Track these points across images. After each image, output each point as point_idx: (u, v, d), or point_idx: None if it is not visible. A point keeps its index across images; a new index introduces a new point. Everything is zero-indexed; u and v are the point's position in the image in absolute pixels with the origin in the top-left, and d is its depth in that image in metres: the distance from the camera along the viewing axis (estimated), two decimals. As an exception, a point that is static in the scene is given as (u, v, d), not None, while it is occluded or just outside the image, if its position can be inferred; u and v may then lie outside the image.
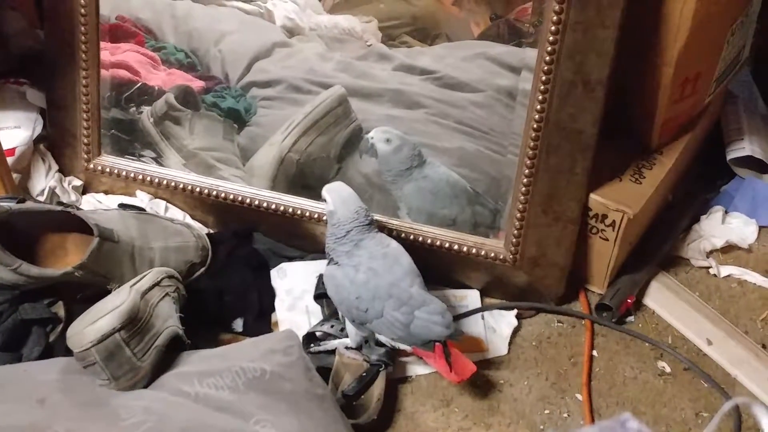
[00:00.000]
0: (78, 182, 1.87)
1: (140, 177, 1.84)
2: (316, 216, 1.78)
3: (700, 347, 1.75)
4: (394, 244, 1.61)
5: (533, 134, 1.62)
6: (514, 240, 1.71)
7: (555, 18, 1.53)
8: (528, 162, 1.64)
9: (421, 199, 1.73)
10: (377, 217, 1.75)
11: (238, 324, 1.69)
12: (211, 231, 1.83)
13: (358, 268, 1.56)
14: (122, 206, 1.79)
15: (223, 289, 1.71)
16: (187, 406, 1.38)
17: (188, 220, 1.84)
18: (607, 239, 1.74)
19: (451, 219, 1.73)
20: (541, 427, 1.60)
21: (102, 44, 1.76)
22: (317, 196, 1.76)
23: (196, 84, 1.77)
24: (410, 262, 1.59)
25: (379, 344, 1.60)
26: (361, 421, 1.53)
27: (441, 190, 1.72)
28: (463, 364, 1.58)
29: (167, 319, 1.50)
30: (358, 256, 1.56)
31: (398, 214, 1.75)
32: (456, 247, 1.74)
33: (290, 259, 1.80)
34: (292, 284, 1.74)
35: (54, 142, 1.88)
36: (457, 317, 1.72)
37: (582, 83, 1.57)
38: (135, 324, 1.43)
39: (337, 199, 1.59)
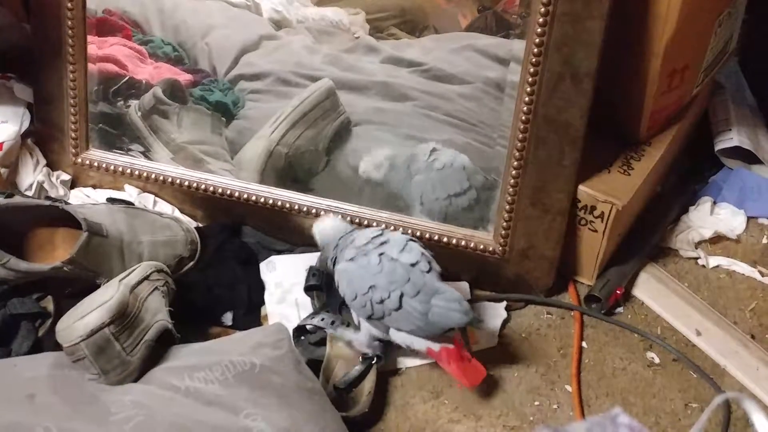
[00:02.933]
0: (66, 177, 1.86)
1: (128, 171, 1.83)
2: (305, 209, 1.77)
3: (689, 338, 1.75)
4: (397, 236, 1.60)
5: (521, 126, 1.62)
6: (503, 232, 1.71)
7: (543, 9, 1.53)
8: (516, 154, 1.64)
9: (431, 189, 1.73)
10: (366, 210, 1.75)
11: (228, 318, 1.69)
12: (200, 225, 1.83)
13: (369, 255, 1.54)
14: (111, 200, 1.79)
15: (213, 283, 1.71)
16: (176, 400, 1.38)
17: (177, 214, 1.84)
18: (595, 231, 1.74)
19: (465, 200, 1.73)
20: (531, 418, 1.60)
21: (89, 38, 1.76)
22: (306, 189, 1.77)
23: (184, 77, 1.77)
24: (419, 248, 1.57)
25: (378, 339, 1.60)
26: (352, 414, 1.53)
27: (447, 176, 1.71)
28: (474, 368, 1.57)
29: (156, 314, 1.49)
30: (364, 249, 1.56)
31: (412, 213, 1.76)
32: (445, 239, 1.74)
33: (279, 252, 1.80)
34: (282, 277, 1.74)
35: (42, 137, 1.87)
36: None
37: (570, 75, 1.58)
38: (124, 318, 1.43)
39: (323, 238, 1.63)
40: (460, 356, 1.55)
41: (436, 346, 1.55)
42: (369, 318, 1.56)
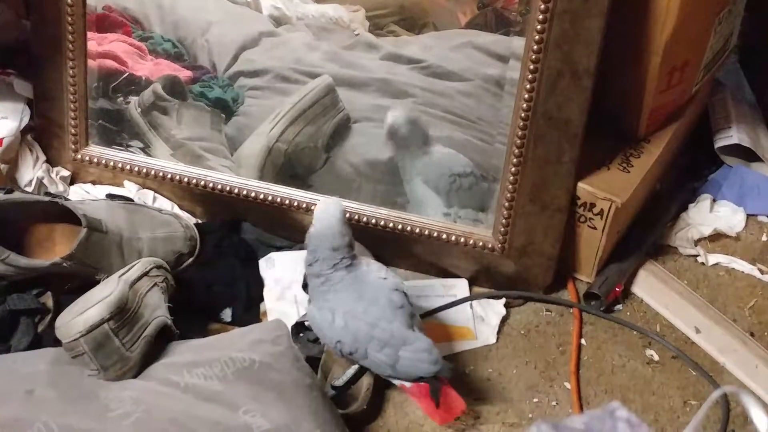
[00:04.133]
0: (66, 173, 1.86)
1: (128, 167, 1.83)
2: (304, 206, 1.77)
3: (688, 335, 1.75)
4: (372, 276, 1.53)
5: (521, 123, 1.62)
6: (502, 229, 1.71)
7: (542, 7, 1.53)
8: (516, 151, 1.64)
9: (438, 163, 1.72)
10: (365, 207, 1.75)
11: (227, 314, 1.69)
12: (199, 221, 1.83)
13: (335, 312, 1.50)
14: (110, 196, 1.79)
15: (212, 279, 1.71)
16: (175, 396, 1.38)
17: (176, 210, 1.84)
18: (595, 228, 1.74)
19: (467, 182, 1.72)
20: (530, 415, 1.60)
21: (89, 34, 1.76)
22: (305, 186, 1.77)
23: (184, 74, 1.77)
24: (389, 297, 1.51)
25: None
26: (351, 410, 1.53)
27: (454, 156, 1.71)
28: (451, 401, 1.52)
29: (156, 309, 1.50)
30: (333, 298, 1.51)
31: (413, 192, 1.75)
32: (444, 236, 1.74)
33: (278, 248, 1.80)
34: (281, 274, 1.74)
35: (41, 133, 1.87)
36: (445, 307, 1.72)
37: (570, 72, 1.58)
38: (124, 314, 1.43)
39: (321, 221, 1.51)
40: (436, 392, 1.50)
41: (408, 383, 1.53)
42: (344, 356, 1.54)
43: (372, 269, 1.55)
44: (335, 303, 1.51)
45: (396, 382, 1.54)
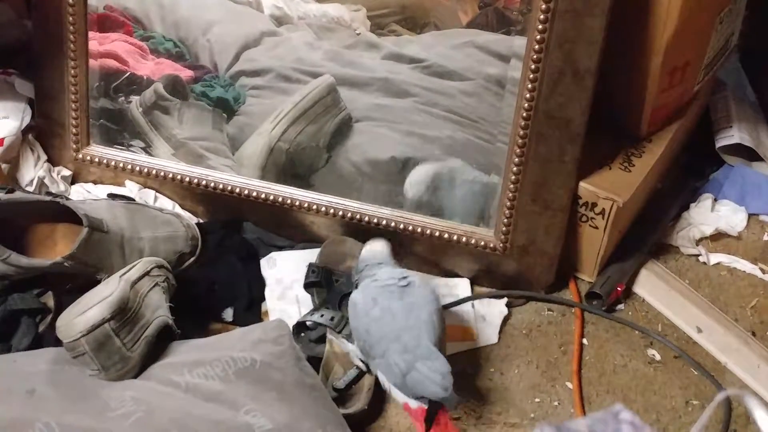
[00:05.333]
0: (67, 172, 1.86)
1: (129, 167, 1.83)
2: (305, 205, 1.77)
3: (690, 335, 1.75)
4: (421, 291, 1.53)
5: (522, 123, 1.62)
6: (503, 228, 1.71)
7: (544, 6, 1.53)
8: (517, 150, 1.64)
9: (471, 198, 1.74)
10: (367, 207, 1.75)
11: (228, 314, 1.69)
12: (201, 221, 1.83)
13: (376, 301, 1.50)
14: (111, 196, 1.78)
15: (213, 279, 1.71)
16: (176, 396, 1.38)
17: (177, 209, 1.84)
18: (596, 227, 1.74)
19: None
20: (532, 415, 1.60)
21: (90, 34, 1.76)
22: (307, 186, 1.77)
23: (185, 73, 1.77)
24: (431, 314, 1.50)
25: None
26: (352, 410, 1.53)
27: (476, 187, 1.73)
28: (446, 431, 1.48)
29: (157, 309, 1.49)
30: (380, 291, 1.51)
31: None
32: (446, 235, 1.74)
33: (280, 248, 1.80)
34: (282, 274, 1.74)
35: (43, 132, 1.87)
36: (447, 306, 1.72)
37: (571, 72, 1.57)
38: (125, 314, 1.43)
39: (366, 255, 1.59)
40: (431, 418, 1.46)
41: (413, 403, 1.47)
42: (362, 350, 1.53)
43: (429, 286, 1.56)
44: (379, 294, 1.51)
45: (397, 395, 1.50)
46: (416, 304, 1.50)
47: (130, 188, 1.85)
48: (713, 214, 1.95)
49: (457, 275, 1.79)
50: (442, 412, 1.45)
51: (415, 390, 1.45)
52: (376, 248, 1.59)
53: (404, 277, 1.53)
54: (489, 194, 1.72)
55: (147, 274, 1.53)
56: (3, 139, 1.81)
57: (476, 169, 1.71)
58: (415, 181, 1.73)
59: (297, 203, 1.78)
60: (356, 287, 1.56)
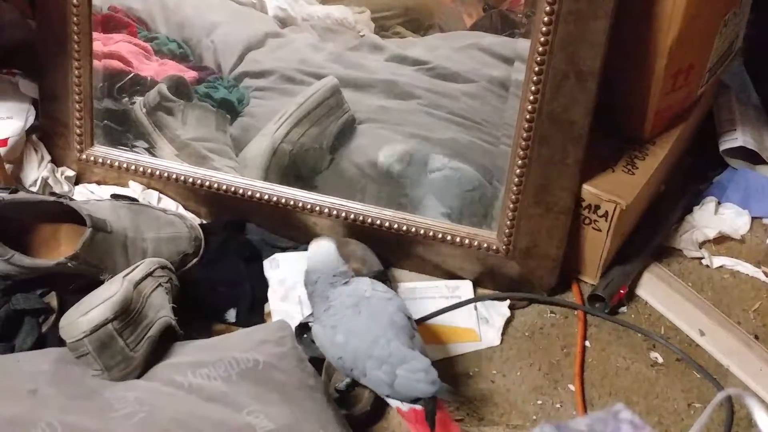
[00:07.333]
0: (70, 173, 1.87)
1: (133, 167, 1.84)
2: (308, 206, 1.77)
3: (693, 338, 1.75)
4: (377, 295, 1.52)
5: (526, 125, 1.62)
6: (506, 231, 1.71)
7: (548, 8, 1.53)
8: (521, 153, 1.64)
9: (446, 185, 1.73)
10: (370, 208, 1.75)
11: (231, 314, 1.69)
12: (204, 221, 1.83)
13: (336, 328, 1.49)
14: (115, 197, 1.78)
15: (216, 280, 1.71)
16: (179, 396, 1.38)
17: (181, 210, 1.84)
18: (599, 230, 1.74)
19: (476, 195, 1.72)
20: (534, 417, 1.60)
21: (94, 35, 1.76)
22: (310, 187, 1.77)
23: (189, 74, 1.77)
24: (391, 317, 1.50)
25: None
26: (354, 412, 1.53)
27: (462, 175, 1.72)
28: (447, 429, 1.49)
29: (160, 310, 1.50)
30: (335, 315, 1.50)
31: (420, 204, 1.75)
32: (449, 237, 1.74)
33: (283, 249, 1.80)
34: (285, 275, 1.74)
35: (46, 133, 1.88)
36: (450, 308, 1.72)
37: (575, 74, 1.57)
38: (128, 314, 1.43)
39: (314, 259, 1.55)
40: (432, 415, 1.46)
41: (405, 406, 1.48)
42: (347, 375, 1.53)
43: (377, 289, 1.54)
44: (337, 320, 1.50)
45: (393, 403, 1.50)
46: (374, 313, 1.50)
47: (134, 189, 1.85)
48: (716, 217, 1.95)
49: (459, 277, 1.79)
50: (440, 410, 1.46)
51: (408, 395, 1.46)
52: (322, 252, 1.55)
53: (354, 291, 1.52)
54: (464, 184, 1.72)
55: (150, 274, 1.53)
56: (7, 139, 1.82)
57: (461, 162, 1.71)
58: (390, 149, 1.73)
59: (300, 204, 1.78)
60: (310, 298, 1.55)
